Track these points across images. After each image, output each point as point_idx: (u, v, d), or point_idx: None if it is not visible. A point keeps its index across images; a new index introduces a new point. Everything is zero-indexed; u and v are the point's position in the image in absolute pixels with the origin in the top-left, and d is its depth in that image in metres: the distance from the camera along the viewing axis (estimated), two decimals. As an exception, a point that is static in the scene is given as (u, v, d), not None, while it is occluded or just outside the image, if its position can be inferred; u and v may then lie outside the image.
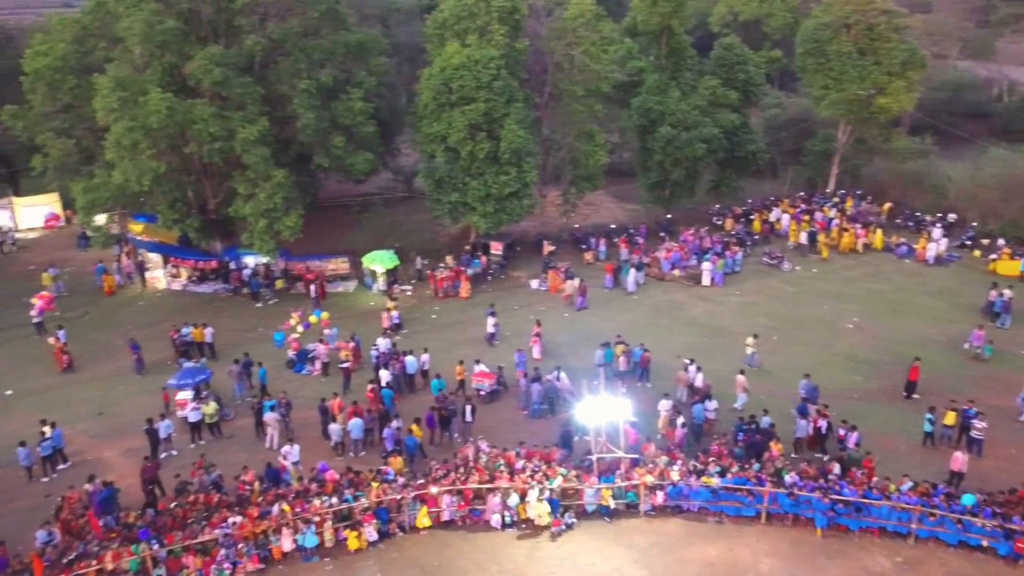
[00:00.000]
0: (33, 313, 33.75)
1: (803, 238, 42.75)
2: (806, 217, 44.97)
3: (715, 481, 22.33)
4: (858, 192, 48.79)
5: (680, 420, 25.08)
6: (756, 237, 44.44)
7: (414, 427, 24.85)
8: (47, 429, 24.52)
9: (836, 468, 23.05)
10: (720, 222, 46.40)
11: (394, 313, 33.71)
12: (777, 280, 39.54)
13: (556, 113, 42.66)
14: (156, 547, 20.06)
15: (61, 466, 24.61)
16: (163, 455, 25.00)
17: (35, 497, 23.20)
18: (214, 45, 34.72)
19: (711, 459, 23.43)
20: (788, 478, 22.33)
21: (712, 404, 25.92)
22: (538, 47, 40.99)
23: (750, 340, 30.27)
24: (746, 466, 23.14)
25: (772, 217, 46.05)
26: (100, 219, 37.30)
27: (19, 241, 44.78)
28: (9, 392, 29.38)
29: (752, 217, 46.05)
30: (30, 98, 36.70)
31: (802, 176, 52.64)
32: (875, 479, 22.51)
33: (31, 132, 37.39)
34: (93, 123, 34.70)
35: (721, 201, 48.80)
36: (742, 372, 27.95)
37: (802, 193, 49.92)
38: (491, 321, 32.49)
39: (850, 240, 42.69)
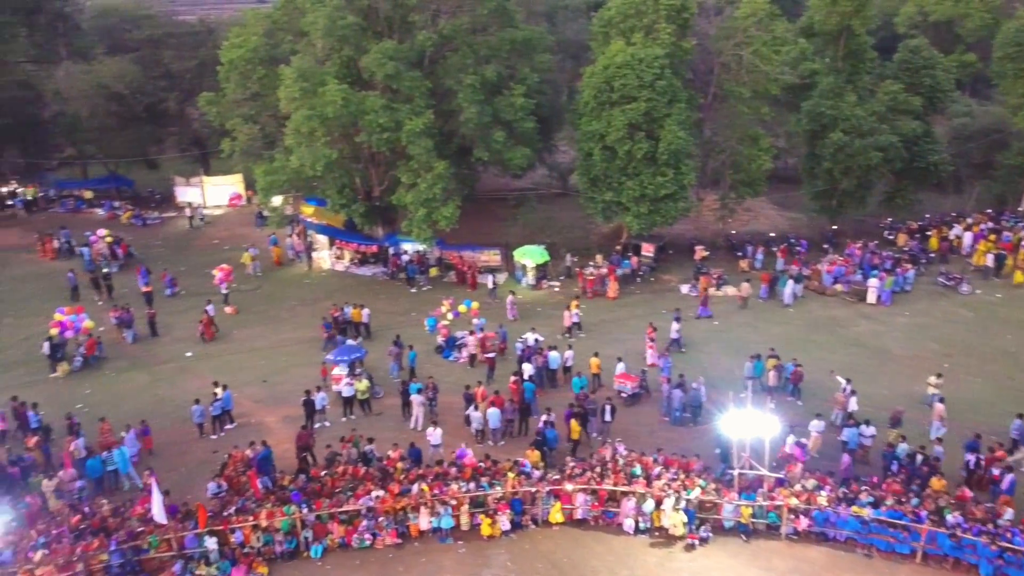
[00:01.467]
0: (215, 283, 36.83)
1: (989, 260, 39.14)
2: (991, 236, 41.16)
3: (867, 512, 20.94)
4: (1057, 212, 44.20)
5: (791, 439, 23.89)
6: (932, 255, 41.17)
7: (573, 423, 24.89)
8: (219, 391, 26.66)
9: (1008, 513, 20.99)
10: (892, 236, 43.45)
11: (575, 311, 33.55)
12: (953, 303, 36.49)
13: (720, 115, 41.47)
14: (305, 511, 21.37)
15: (228, 426, 26.69)
16: (317, 425, 26.56)
17: (204, 452, 25.34)
18: (388, 40, 36.39)
19: (863, 488, 22.02)
20: (951, 518, 20.58)
21: (869, 429, 24.39)
22: (705, 46, 39.96)
23: (933, 379, 27.50)
24: (903, 499, 21.56)
25: (952, 234, 42.54)
26: (277, 200, 40.23)
27: (206, 217, 48.97)
28: (189, 354, 32.19)
29: (929, 233, 42.72)
30: (224, 86, 40.08)
31: (991, 192, 48.27)
32: (1056, 531, 20.32)
33: (223, 117, 40.91)
34: (276, 111, 37.40)
35: (895, 214, 45.63)
36: (941, 400, 25.88)
37: (989, 210, 45.75)
38: (675, 327, 31.64)
39: (1044, 265, 38.70)
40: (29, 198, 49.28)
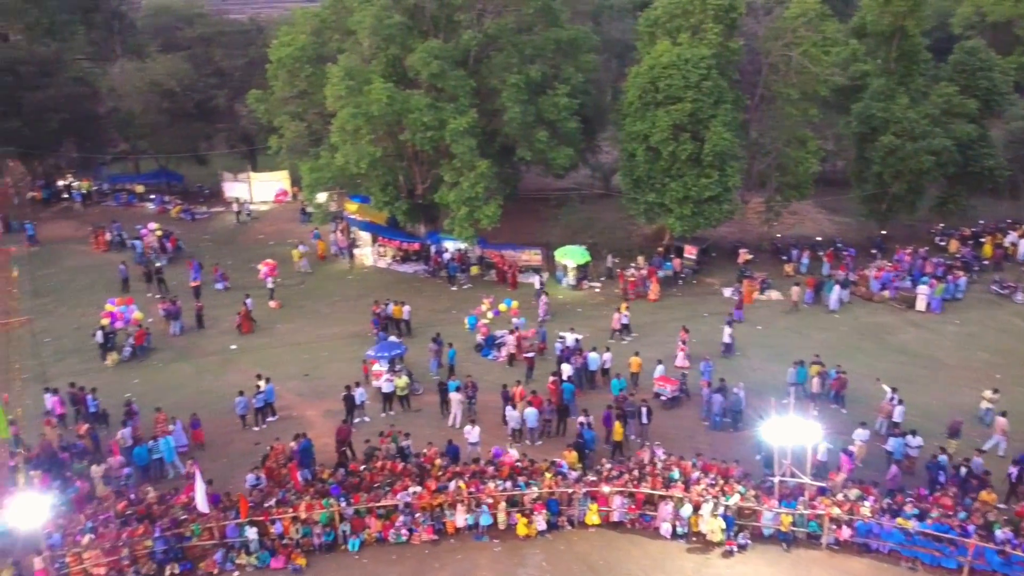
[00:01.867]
0: (260, 278, 37.43)
1: (1045, 268, 38.01)
2: (1050, 245, 39.93)
3: (911, 524, 20.45)
4: (1121, 220, 42.61)
5: (823, 447, 23.35)
6: (985, 263, 40.07)
7: (617, 425, 24.79)
8: (262, 383, 27.07)
9: (1061, 530, 20.36)
10: (943, 243, 42.33)
11: (624, 314, 33.32)
12: (1006, 312, 35.44)
13: (766, 116, 40.83)
14: (344, 504, 21.61)
15: (270, 418, 27.11)
16: (356, 420, 26.83)
17: (246, 444, 25.78)
18: (434, 39, 36.61)
19: (908, 499, 21.52)
20: (1000, 533, 20.01)
21: (916, 440, 23.83)
22: (753, 47, 39.38)
23: (988, 394, 26.77)
24: (950, 512, 21.01)
25: (1007, 242, 41.33)
26: (321, 197, 40.73)
27: (252, 212, 49.79)
28: (234, 347, 32.76)
29: (983, 240, 41.57)
30: (272, 84, 40.68)
31: (1048, 198, 46.73)
32: (1111, 550, 19.61)
33: (270, 115, 41.57)
34: (323, 108, 37.87)
35: (947, 220, 44.46)
36: (1003, 414, 25.21)
37: (1047, 217, 44.36)
38: (727, 331, 31.27)
39: (1103, 274, 37.39)
40: (84, 192, 50.68)
